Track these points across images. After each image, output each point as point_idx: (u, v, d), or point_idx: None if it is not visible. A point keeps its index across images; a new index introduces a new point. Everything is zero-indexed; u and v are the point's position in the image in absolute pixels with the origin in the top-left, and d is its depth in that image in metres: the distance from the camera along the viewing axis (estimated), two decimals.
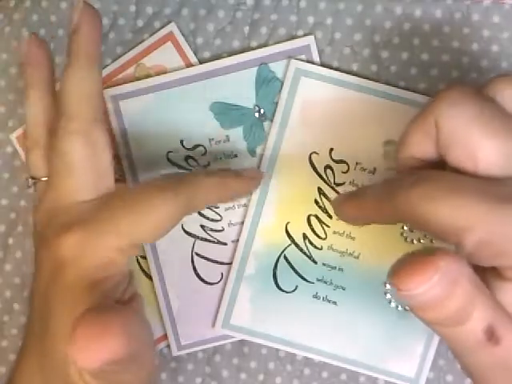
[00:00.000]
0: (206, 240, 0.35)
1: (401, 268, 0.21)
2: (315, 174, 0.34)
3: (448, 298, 0.20)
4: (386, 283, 0.34)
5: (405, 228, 0.33)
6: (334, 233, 0.34)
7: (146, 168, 0.34)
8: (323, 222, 0.34)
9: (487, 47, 0.33)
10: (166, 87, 0.34)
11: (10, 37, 0.35)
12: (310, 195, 0.34)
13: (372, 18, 0.33)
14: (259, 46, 0.34)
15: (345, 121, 0.33)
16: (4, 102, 0.35)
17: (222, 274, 0.34)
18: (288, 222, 0.34)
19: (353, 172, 0.34)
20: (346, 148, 0.34)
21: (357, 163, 0.34)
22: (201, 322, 0.35)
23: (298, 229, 0.34)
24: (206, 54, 0.34)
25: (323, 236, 0.34)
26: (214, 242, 0.35)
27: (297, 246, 0.34)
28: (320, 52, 0.34)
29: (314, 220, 0.34)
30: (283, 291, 0.34)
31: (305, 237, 0.34)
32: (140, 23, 0.34)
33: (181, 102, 0.34)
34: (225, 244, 0.35)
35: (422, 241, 0.33)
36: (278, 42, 0.34)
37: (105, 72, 0.34)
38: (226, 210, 0.34)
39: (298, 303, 0.34)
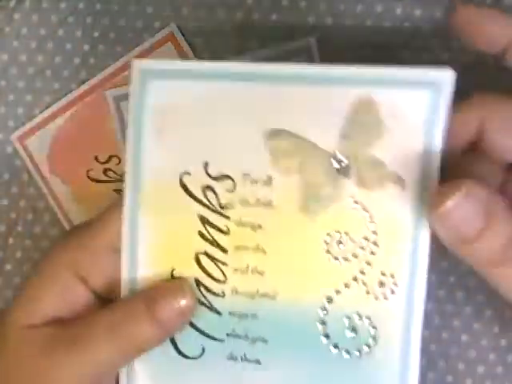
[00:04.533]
0: None
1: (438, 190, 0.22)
2: (191, 199, 0.26)
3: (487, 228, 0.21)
4: (321, 321, 0.25)
5: (330, 235, 0.25)
6: (236, 270, 0.26)
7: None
8: (217, 260, 0.26)
9: None
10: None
11: (10, 37, 0.35)
12: (191, 228, 0.26)
13: (372, 18, 0.33)
14: (260, 47, 0.34)
15: (215, 123, 0.26)
16: (4, 101, 0.35)
17: None
18: (173, 269, 0.26)
19: (242, 188, 0.25)
20: (225, 158, 0.26)
21: (244, 175, 0.25)
22: None
23: (188, 274, 0.26)
24: (206, 54, 0.34)
25: (222, 278, 0.26)
26: None
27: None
28: (320, 53, 0.33)
29: (204, 259, 0.26)
30: (187, 357, 0.26)
31: (198, 283, 0.26)
32: (140, 23, 0.34)
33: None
34: None
35: (355, 257, 0.25)
36: (278, 43, 0.34)
37: (105, 72, 0.34)
38: None
39: (210, 370, 0.26)
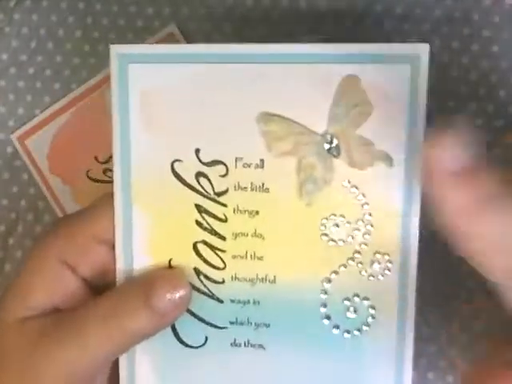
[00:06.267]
0: None
1: None
2: (185, 187, 0.26)
3: None
4: (322, 304, 0.25)
5: (326, 218, 0.25)
6: (234, 257, 0.26)
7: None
8: (215, 248, 0.26)
9: (487, 47, 0.33)
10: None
11: (10, 37, 0.35)
12: (187, 217, 0.26)
13: (372, 18, 0.33)
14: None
15: (204, 108, 0.25)
16: (4, 101, 0.35)
17: None
18: (170, 259, 0.26)
19: (234, 172, 0.25)
20: (216, 143, 0.25)
21: (236, 159, 0.25)
22: None
23: (186, 264, 0.26)
24: None
25: (221, 265, 0.26)
26: None
27: (191, 286, 0.26)
28: None
29: (202, 247, 0.26)
30: (189, 346, 0.26)
31: (198, 272, 0.26)
32: (140, 23, 0.34)
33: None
34: None
35: (351, 239, 0.25)
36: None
37: (105, 72, 0.34)
38: None
39: (214, 358, 0.26)
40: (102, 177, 0.35)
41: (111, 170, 0.35)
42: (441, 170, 0.21)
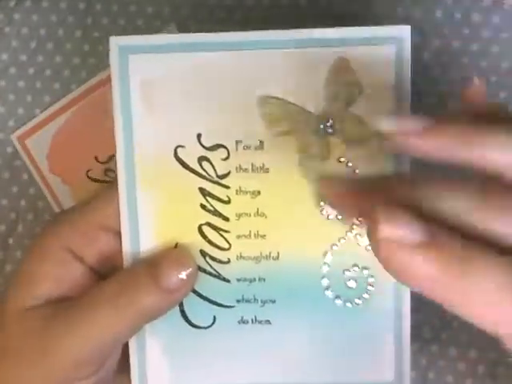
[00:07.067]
0: None
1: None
2: (189, 172, 0.27)
3: None
4: (323, 277, 0.27)
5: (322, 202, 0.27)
6: (239, 237, 0.27)
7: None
8: (220, 229, 0.27)
9: (487, 47, 0.33)
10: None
11: (10, 37, 0.35)
12: (192, 201, 0.27)
13: (372, 19, 0.33)
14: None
15: (203, 93, 0.26)
16: (4, 101, 0.35)
17: None
18: (176, 243, 0.27)
19: (236, 155, 0.26)
20: (217, 127, 0.26)
21: (237, 142, 0.26)
22: None
23: (192, 246, 0.27)
24: None
25: (226, 246, 0.27)
26: None
27: (198, 268, 0.27)
28: None
29: (207, 229, 0.27)
30: (198, 327, 0.27)
31: (204, 254, 0.27)
32: (140, 23, 0.34)
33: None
34: None
35: (339, 216, 0.27)
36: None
37: (105, 73, 0.34)
38: None
39: (223, 337, 0.27)
40: (102, 177, 0.35)
41: (111, 170, 0.35)
42: (406, 244, 0.20)
